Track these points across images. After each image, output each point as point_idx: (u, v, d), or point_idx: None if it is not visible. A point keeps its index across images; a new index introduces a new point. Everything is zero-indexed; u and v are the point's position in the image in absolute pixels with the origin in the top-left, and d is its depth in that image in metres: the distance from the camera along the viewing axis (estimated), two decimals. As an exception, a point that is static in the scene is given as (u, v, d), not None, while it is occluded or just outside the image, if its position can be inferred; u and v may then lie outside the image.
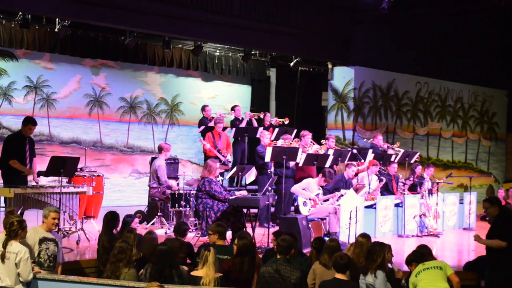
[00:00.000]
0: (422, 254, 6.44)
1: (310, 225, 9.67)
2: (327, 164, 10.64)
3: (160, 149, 10.82)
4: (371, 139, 13.22)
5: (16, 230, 6.06)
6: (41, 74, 12.20)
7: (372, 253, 6.15)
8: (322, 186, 10.41)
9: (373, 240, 6.74)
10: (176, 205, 10.39)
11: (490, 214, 7.33)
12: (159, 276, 5.86)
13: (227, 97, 14.94)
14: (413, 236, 11.07)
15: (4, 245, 5.98)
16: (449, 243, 10.88)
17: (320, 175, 10.29)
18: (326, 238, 7.54)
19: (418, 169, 12.43)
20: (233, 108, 13.12)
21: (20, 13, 10.65)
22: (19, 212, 7.89)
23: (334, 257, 5.93)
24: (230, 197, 9.16)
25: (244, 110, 14.05)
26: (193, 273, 5.95)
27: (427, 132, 16.85)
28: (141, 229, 9.58)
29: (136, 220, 7.77)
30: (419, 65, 16.18)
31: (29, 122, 8.85)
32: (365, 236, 6.72)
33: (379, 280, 5.95)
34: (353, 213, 9.13)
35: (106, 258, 6.49)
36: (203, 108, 12.95)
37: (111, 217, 7.30)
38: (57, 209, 6.83)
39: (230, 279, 6.02)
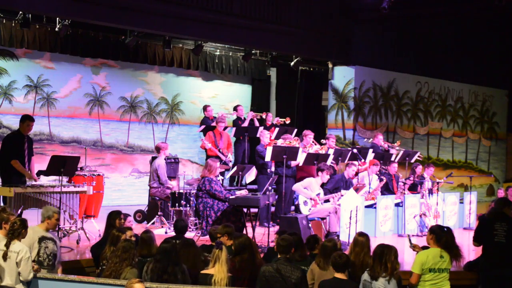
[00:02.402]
0: (448, 240, 6.36)
1: (310, 225, 9.67)
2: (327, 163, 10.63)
3: (158, 149, 10.82)
4: (372, 139, 13.22)
5: (19, 230, 6.06)
6: (42, 74, 12.19)
7: (381, 256, 5.93)
8: (324, 185, 10.40)
9: (371, 239, 6.69)
10: (176, 204, 10.40)
11: None
12: (163, 273, 5.89)
13: (227, 97, 14.94)
14: (413, 235, 11.05)
15: (7, 245, 5.98)
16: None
17: (319, 172, 10.25)
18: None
19: (419, 168, 12.42)
20: (235, 108, 13.13)
21: (20, 12, 10.65)
22: (18, 212, 7.91)
23: (333, 256, 5.89)
24: (230, 197, 9.17)
25: (245, 110, 14.04)
26: (204, 271, 5.95)
27: (428, 132, 16.85)
28: (141, 228, 9.60)
29: (129, 218, 7.75)
30: (419, 65, 16.18)
31: (27, 118, 8.89)
32: (363, 234, 6.68)
33: (391, 287, 5.86)
34: (354, 212, 9.13)
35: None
36: (205, 108, 12.94)
37: (114, 216, 7.35)
38: (58, 209, 6.84)
39: (235, 278, 6.00)
